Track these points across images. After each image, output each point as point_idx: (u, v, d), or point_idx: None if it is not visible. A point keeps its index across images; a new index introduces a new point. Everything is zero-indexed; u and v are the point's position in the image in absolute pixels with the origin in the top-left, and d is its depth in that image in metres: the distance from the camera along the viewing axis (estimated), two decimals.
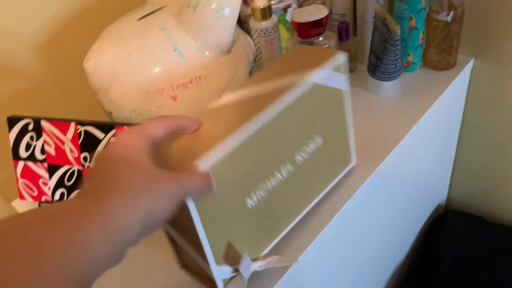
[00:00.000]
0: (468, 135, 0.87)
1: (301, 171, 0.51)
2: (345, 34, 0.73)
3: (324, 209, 0.56)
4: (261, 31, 0.69)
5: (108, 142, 0.36)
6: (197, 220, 0.41)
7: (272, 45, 0.71)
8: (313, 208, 0.55)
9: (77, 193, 0.33)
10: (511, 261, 0.88)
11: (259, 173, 0.47)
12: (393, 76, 0.68)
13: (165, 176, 0.35)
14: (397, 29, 0.62)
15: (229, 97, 0.48)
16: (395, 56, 0.65)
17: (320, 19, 0.58)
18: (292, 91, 0.46)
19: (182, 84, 0.58)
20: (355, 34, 0.79)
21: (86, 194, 0.32)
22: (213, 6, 0.56)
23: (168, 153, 0.42)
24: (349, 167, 0.59)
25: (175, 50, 0.57)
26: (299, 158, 0.50)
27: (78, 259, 0.27)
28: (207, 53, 0.59)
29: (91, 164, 0.36)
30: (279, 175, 0.49)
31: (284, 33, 0.76)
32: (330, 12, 0.76)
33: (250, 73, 0.67)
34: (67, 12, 0.72)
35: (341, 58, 0.49)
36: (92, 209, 0.30)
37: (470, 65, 0.76)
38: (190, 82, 0.58)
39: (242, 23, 0.84)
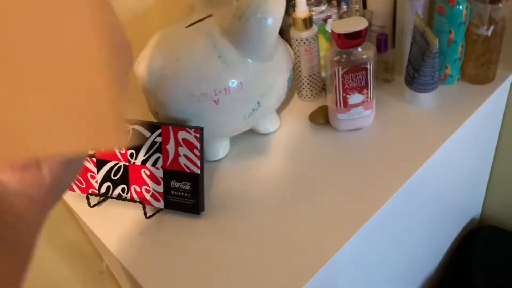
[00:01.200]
0: (505, 149, 0.87)
1: None
2: (384, 45, 0.75)
3: (357, 212, 0.57)
4: (301, 40, 0.72)
5: None
6: None
7: (311, 54, 0.73)
8: (346, 209, 0.57)
9: None
10: None
11: None
12: (430, 88, 0.69)
13: None
14: (435, 42, 0.63)
15: None
16: (433, 68, 0.66)
17: (360, 31, 0.60)
18: None
19: (224, 89, 0.61)
20: (393, 46, 0.80)
21: None
22: (257, 17, 0.59)
23: None
24: None
25: (219, 57, 0.61)
26: None
27: None
28: (249, 60, 0.62)
29: None
30: None
31: (323, 43, 0.78)
32: (370, 24, 0.78)
33: (289, 80, 0.70)
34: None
35: None
36: None
37: (509, 80, 0.76)
38: (233, 87, 0.62)
39: (283, 31, 0.87)
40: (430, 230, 0.82)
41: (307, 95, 0.79)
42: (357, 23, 0.61)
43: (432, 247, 0.88)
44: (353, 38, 0.61)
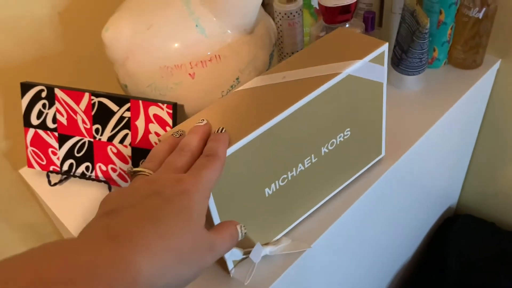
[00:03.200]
0: (486, 137, 0.85)
1: (325, 162, 0.50)
2: (371, 24, 0.71)
3: (340, 199, 0.55)
4: (285, 14, 0.67)
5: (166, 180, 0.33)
6: (213, 206, 0.40)
7: (295, 29, 0.69)
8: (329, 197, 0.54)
9: (107, 223, 0.29)
10: None
11: (281, 165, 0.45)
12: (417, 71, 0.66)
13: (208, 245, 0.32)
14: (426, 22, 0.60)
15: (263, 79, 0.46)
16: (422, 50, 0.63)
17: (349, 5, 0.56)
18: (326, 83, 0.44)
19: (201, 61, 0.56)
20: (380, 25, 0.76)
21: (122, 234, 0.28)
22: None
23: None
24: (378, 158, 0.57)
25: (196, 26, 0.56)
26: (325, 150, 0.49)
27: None
28: (229, 31, 0.57)
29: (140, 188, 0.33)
30: (301, 167, 0.47)
31: (307, 18, 0.74)
32: (357, 1, 0.73)
33: (271, 56, 0.66)
34: None
35: (382, 49, 0.47)
36: (122, 262, 0.26)
37: (496, 66, 0.73)
38: (210, 60, 0.57)
39: (265, 4, 0.82)
40: (407, 217, 0.80)
41: None
42: None
43: (409, 235, 0.87)
44: (341, 13, 0.57)
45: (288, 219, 0.51)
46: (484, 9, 0.64)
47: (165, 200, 0.31)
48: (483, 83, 0.73)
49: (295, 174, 0.47)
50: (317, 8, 0.73)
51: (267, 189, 0.46)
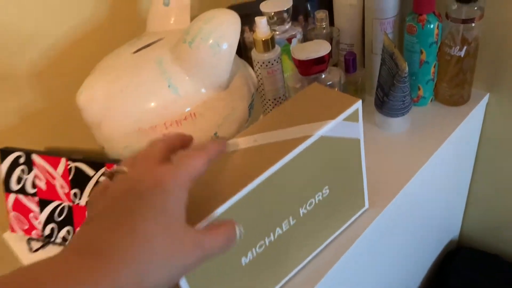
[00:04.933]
0: (482, 171, 0.83)
1: (305, 222, 0.48)
2: (353, 65, 0.70)
3: (330, 251, 0.53)
4: (263, 63, 0.66)
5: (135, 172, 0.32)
6: (183, 281, 0.39)
7: (274, 76, 0.68)
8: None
9: (78, 241, 0.29)
10: None
11: (257, 232, 0.44)
12: (401, 113, 0.65)
13: (191, 244, 0.30)
14: (404, 66, 0.58)
15: (234, 143, 0.45)
16: (403, 93, 0.62)
17: (322, 56, 0.55)
18: (298, 147, 0.42)
19: (176, 121, 0.56)
20: (363, 65, 0.75)
21: (94, 249, 0.28)
22: (209, 42, 0.53)
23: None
24: (361, 211, 0.56)
25: (169, 86, 0.55)
26: (303, 211, 0.47)
27: None
28: (203, 90, 0.56)
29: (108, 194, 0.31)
30: (279, 230, 0.46)
31: (288, 64, 0.73)
32: (338, 42, 0.73)
33: (251, 106, 0.65)
34: (67, 39, 0.71)
35: (356, 107, 0.46)
36: (98, 273, 0.26)
37: (485, 100, 0.72)
38: (185, 119, 0.56)
39: (246, 49, 0.82)
40: (408, 253, 0.77)
41: None
42: (318, 48, 0.56)
43: (411, 270, 0.84)
44: (316, 64, 0.56)
45: (269, 283, 0.49)
46: (465, 48, 0.63)
47: (140, 198, 0.30)
48: (473, 118, 0.71)
49: (273, 239, 0.46)
50: None
51: (243, 258, 0.44)
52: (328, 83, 0.57)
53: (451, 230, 0.93)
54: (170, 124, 0.55)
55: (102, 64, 0.59)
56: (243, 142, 0.45)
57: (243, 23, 0.80)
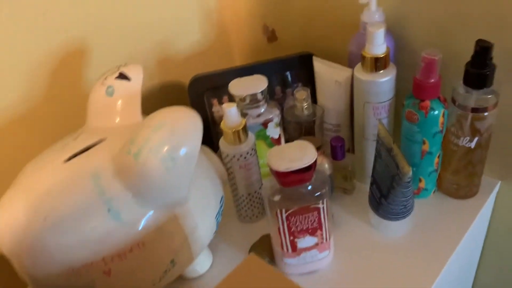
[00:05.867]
0: (488, 260, 0.72)
1: None
2: (340, 152, 0.59)
3: None
4: (234, 156, 0.54)
5: None
6: None
7: (248, 170, 0.56)
8: None
9: None
10: None
11: None
12: (401, 217, 0.53)
13: None
14: (407, 170, 0.47)
15: None
16: (405, 197, 0.50)
17: (308, 166, 0.43)
18: None
19: (118, 255, 0.43)
20: (352, 148, 0.64)
21: None
22: (160, 155, 0.41)
23: None
24: None
25: (109, 210, 0.42)
26: None
27: None
28: (151, 212, 0.43)
29: None
30: None
31: (264, 150, 0.61)
32: (321, 122, 0.61)
33: (219, 213, 0.52)
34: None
35: None
36: None
37: (496, 189, 0.61)
38: (130, 250, 0.43)
39: (216, 124, 0.70)
40: None
41: (247, 215, 0.61)
42: (303, 153, 0.44)
43: None
44: (300, 173, 0.44)
45: None
46: (476, 139, 0.52)
47: None
48: (484, 212, 0.60)
49: None
50: (274, 138, 0.60)
51: None
52: (315, 195, 0.46)
53: None
54: (110, 259, 0.42)
55: (24, 177, 0.46)
56: None
57: (211, 96, 0.69)
